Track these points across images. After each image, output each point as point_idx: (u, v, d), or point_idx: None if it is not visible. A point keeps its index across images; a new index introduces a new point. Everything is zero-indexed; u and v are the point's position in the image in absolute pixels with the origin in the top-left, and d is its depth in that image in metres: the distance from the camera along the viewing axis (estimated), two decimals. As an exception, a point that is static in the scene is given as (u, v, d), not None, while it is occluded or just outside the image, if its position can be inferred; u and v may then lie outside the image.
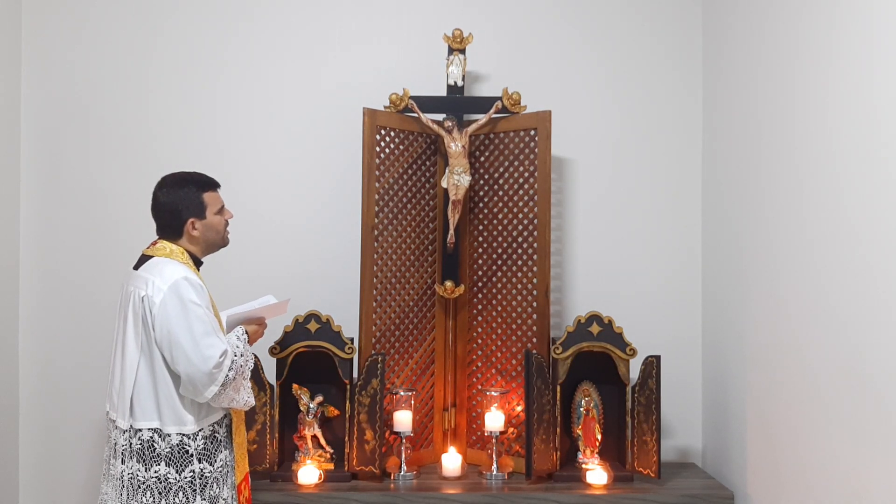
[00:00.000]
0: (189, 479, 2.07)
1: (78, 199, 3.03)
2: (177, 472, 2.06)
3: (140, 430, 2.07)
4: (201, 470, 2.09)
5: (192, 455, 2.08)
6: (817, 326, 2.06)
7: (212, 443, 2.13)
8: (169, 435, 2.07)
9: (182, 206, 2.17)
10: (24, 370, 3.01)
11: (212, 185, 2.24)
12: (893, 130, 1.74)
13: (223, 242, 2.29)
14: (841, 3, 1.98)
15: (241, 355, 2.14)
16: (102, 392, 2.98)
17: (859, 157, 1.88)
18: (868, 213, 1.83)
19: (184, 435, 2.08)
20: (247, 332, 2.24)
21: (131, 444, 2.07)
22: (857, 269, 1.88)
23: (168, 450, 2.07)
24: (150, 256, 2.16)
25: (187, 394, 2.06)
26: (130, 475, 2.06)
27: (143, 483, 2.05)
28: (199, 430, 2.10)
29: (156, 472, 2.06)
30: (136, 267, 2.17)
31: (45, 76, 3.03)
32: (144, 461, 2.06)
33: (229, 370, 2.06)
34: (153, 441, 2.07)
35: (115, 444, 2.11)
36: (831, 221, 2.00)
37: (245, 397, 2.17)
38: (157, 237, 2.22)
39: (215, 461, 2.13)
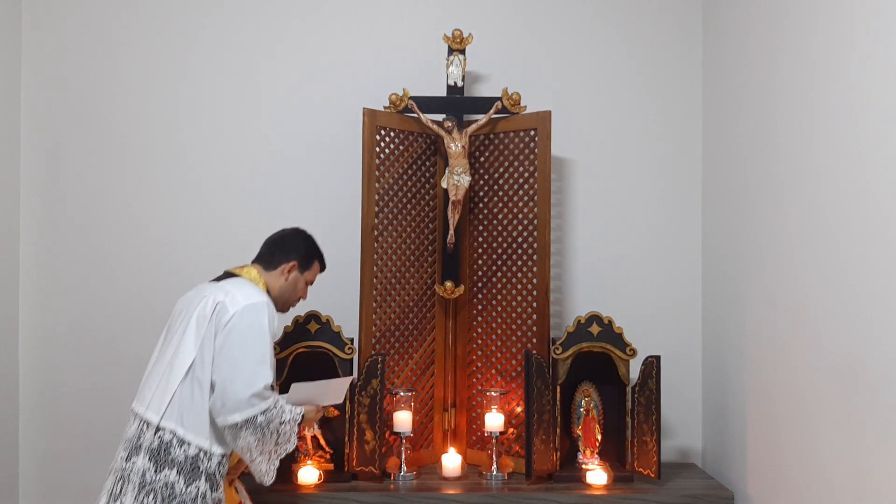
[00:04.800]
0: (193, 495, 2.02)
1: (78, 198, 3.03)
2: (185, 484, 2.02)
3: (163, 428, 2.03)
4: (205, 492, 2.04)
5: (201, 472, 2.04)
6: (817, 326, 2.06)
7: (220, 470, 2.08)
8: (188, 443, 2.03)
9: (297, 251, 2.34)
10: (24, 370, 3.01)
11: (323, 265, 2.46)
12: None
13: (286, 306, 2.38)
14: (841, 1, 1.98)
15: (283, 423, 2.10)
16: (102, 392, 3.00)
17: (860, 159, 1.88)
18: (869, 213, 1.83)
19: (201, 449, 2.04)
20: (303, 415, 2.20)
21: (152, 441, 2.03)
22: (857, 269, 1.88)
23: (182, 458, 2.02)
24: (236, 275, 2.24)
25: (213, 407, 2.02)
26: (142, 472, 2.01)
27: (150, 484, 2.01)
28: (217, 451, 2.06)
29: (165, 476, 2.01)
30: (218, 279, 2.23)
31: (46, 76, 3.03)
32: (157, 462, 2.01)
33: (262, 413, 2.02)
34: (171, 444, 2.02)
35: (137, 438, 2.06)
36: (832, 221, 2.00)
37: (263, 467, 2.11)
38: (250, 263, 2.33)
39: (218, 489, 2.07)
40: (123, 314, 3.02)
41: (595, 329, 2.66)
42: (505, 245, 2.86)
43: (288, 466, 2.65)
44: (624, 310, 2.93)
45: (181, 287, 2.97)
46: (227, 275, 2.26)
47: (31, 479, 3.00)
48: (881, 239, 1.77)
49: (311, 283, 2.43)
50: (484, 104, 2.84)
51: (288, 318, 2.67)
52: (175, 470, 2.02)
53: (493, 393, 2.76)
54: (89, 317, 3.02)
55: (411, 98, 2.81)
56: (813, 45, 2.11)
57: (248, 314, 2.07)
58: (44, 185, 3.03)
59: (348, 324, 2.72)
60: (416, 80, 2.93)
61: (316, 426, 2.69)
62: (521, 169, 2.82)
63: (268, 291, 2.25)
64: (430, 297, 2.90)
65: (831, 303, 1.99)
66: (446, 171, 2.78)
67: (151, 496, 2.00)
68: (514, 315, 2.83)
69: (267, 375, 2.04)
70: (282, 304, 2.35)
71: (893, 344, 1.72)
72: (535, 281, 2.77)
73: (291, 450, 2.19)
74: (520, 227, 2.82)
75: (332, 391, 2.35)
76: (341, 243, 2.99)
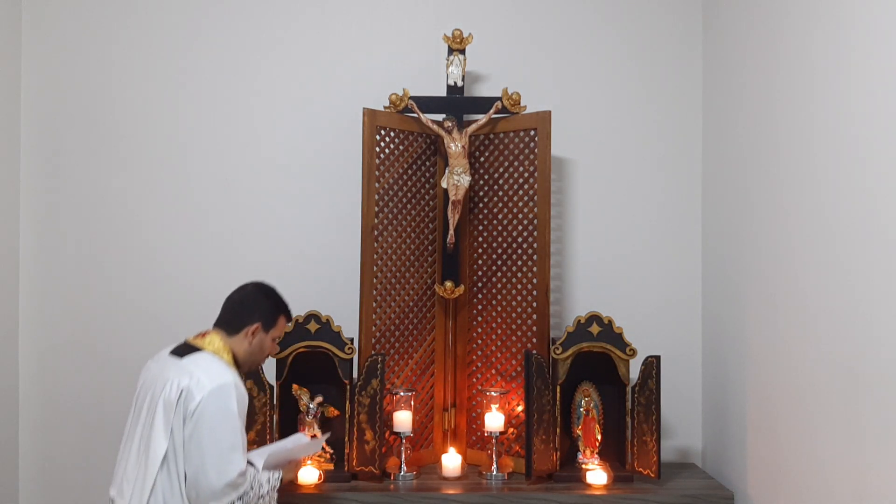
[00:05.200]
0: None
1: (78, 198, 3.03)
2: None
3: None
4: None
5: None
6: (817, 326, 2.06)
7: None
8: None
9: (260, 312, 2.20)
10: (24, 370, 3.01)
11: (289, 316, 2.31)
12: None
13: (254, 366, 2.29)
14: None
15: (262, 497, 2.08)
16: (103, 393, 3.00)
17: (860, 159, 1.88)
18: (869, 213, 1.83)
19: None
20: (281, 479, 2.18)
21: None
22: (857, 269, 1.88)
23: None
24: (197, 348, 2.12)
25: (188, 496, 1.99)
26: None
27: None
28: None
29: None
30: (180, 354, 2.11)
31: (46, 76, 3.03)
32: None
33: (239, 499, 2.00)
34: None
35: None
36: (832, 221, 2.00)
37: None
38: (210, 329, 2.20)
39: None
40: (123, 316, 3.01)
41: (595, 329, 2.66)
42: (505, 245, 2.86)
43: (288, 466, 2.65)
44: (624, 310, 2.92)
45: (180, 289, 3.01)
46: (189, 347, 2.14)
47: (31, 482, 3.00)
48: (881, 239, 1.77)
49: (279, 339, 2.34)
50: (484, 104, 2.84)
51: (288, 318, 2.68)
52: None
53: (493, 393, 2.76)
54: (89, 318, 3.01)
55: (411, 98, 2.81)
56: (813, 46, 2.11)
57: (215, 399, 1.98)
58: (44, 185, 3.03)
59: (348, 324, 2.72)
60: (416, 80, 2.93)
61: (316, 426, 2.69)
62: (521, 169, 2.82)
63: (234, 356, 2.18)
64: (430, 297, 2.90)
65: (831, 303, 1.99)
66: (446, 171, 2.78)
67: None
68: (514, 315, 2.83)
69: (239, 462, 2.00)
70: (249, 366, 2.27)
71: (893, 344, 1.72)
72: (535, 281, 2.77)
73: None
74: (520, 227, 2.82)
75: (307, 448, 2.36)
76: (341, 243, 2.99)
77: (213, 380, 2.01)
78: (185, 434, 1.98)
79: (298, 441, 2.42)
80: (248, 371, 2.30)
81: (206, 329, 2.22)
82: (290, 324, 2.39)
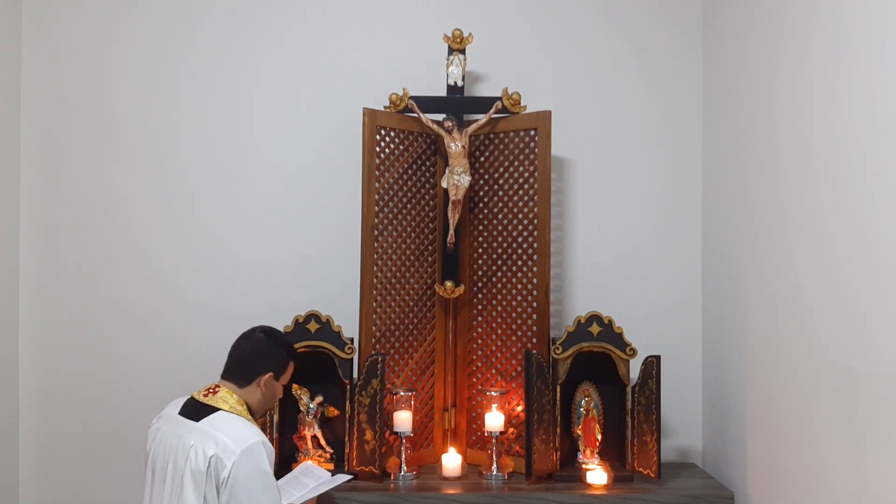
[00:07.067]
0: None
1: (78, 199, 3.03)
2: None
3: None
4: None
5: None
6: (817, 326, 2.06)
7: None
8: None
9: (270, 358, 2.18)
10: (24, 371, 3.00)
11: (296, 358, 2.32)
12: None
13: (266, 411, 2.28)
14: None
15: None
16: (103, 393, 3.00)
17: (860, 159, 1.87)
18: (869, 213, 1.83)
19: None
20: None
21: None
22: (857, 269, 1.88)
23: None
24: (210, 407, 2.07)
25: None
26: None
27: None
28: None
29: None
30: (194, 417, 2.05)
31: (46, 76, 3.03)
32: None
33: None
34: None
35: None
36: (832, 221, 2.00)
37: None
38: (219, 381, 2.16)
39: None
40: (124, 316, 3.01)
41: (595, 329, 2.66)
42: (505, 245, 2.86)
43: (288, 466, 2.65)
44: (624, 310, 2.92)
45: (180, 287, 3.00)
46: (201, 407, 2.08)
47: (32, 479, 3.00)
48: (881, 239, 1.77)
49: (287, 382, 2.33)
50: (484, 104, 2.84)
51: (288, 318, 2.67)
52: None
53: (493, 393, 2.76)
54: (89, 318, 3.01)
55: (411, 98, 2.81)
56: (813, 46, 2.11)
57: (247, 463, 1.96)
58: (43, 185, 3.02)
59: (348, 324, 2.72)
60: (416, 79, 2.92)
61: (316, 426, 2.69)
62: (521, 169, 2.82)
63: (248, 407, 2.14)
64: (430, 296, 2.90)
65: (831, 303, 1.99)
66: (446, 170, 2.78)
67: None
68: (514, 315, 2.83)
69: None
70: (262, 413, 2.25)
71: (893, 344, 1.72)
72: (535, 281, 2.77)
73: None
74: (520, 227, 2.82)
75: (326, 485, 2.36)
76: (341, 243, 2.99)
77: (241, 443, 1.97)
78: (221, 502, 1.96)
79: (308, 471, 2.42)
80: (260, 416, 2.26)
81: (211, 383, 2.16)
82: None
